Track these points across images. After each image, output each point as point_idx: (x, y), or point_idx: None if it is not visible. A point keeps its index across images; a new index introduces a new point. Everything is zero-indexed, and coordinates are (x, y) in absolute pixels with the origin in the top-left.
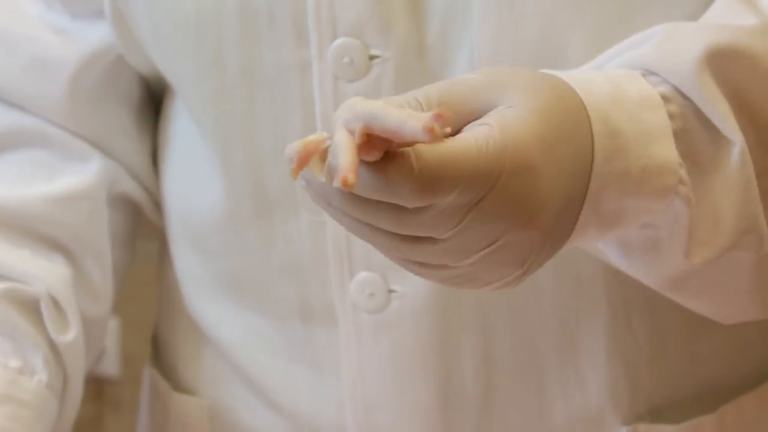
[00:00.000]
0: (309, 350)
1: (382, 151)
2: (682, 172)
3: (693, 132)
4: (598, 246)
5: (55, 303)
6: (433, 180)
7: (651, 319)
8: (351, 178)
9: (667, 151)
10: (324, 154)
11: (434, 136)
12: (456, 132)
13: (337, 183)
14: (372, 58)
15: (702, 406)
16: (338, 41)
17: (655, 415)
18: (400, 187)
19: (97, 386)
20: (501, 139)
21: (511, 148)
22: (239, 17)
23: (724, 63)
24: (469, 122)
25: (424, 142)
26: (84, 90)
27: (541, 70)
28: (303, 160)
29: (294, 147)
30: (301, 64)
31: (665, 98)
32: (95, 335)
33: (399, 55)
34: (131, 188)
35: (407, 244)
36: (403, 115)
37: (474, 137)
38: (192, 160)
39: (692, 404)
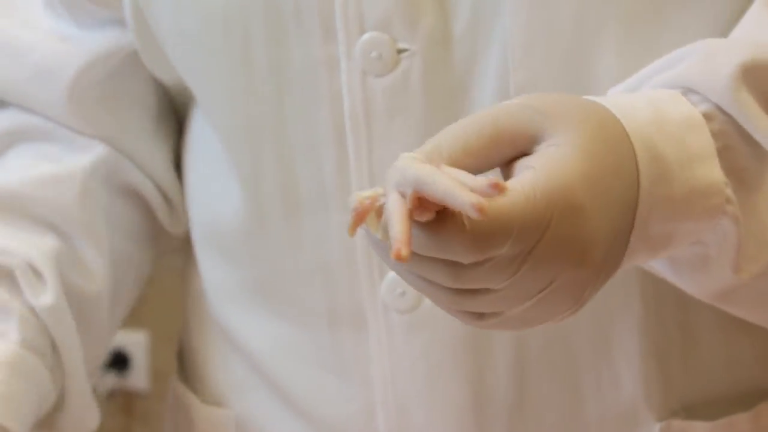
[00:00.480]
0: (337, 356)
1: (434, 212)
2: (728, 191)
3: (736, 149)
4: (656, 268)
5: (35, 272)
6: (486, 236)
7: (684, 315)
8: (404, 251)
9: (712, 172)
10: (380, 211)
11: (483, 214)
12: (507, 161)
13: (391, 256)
14: (400, 51)
15: (737, 404)
16: (366, 36)
17: (689, 411)
18: (453, 245)
19: (126, 400)
20: (547, 185)
21: (557, 193)
22: (266, 15)
23: (761, 78)
24: (519, 151)
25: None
26: (88, 92)
27: (584, 97)
28: (359, 217)
29: (351, 202)
30: (329, 61)
31: (707, 117)
32: (94, 315)
33: (427, 48)
34: (140, 183)
35: (463, 296)
36: (451, 186)
37: (521, 186)
38: (214, 168)
39: (727, 402)
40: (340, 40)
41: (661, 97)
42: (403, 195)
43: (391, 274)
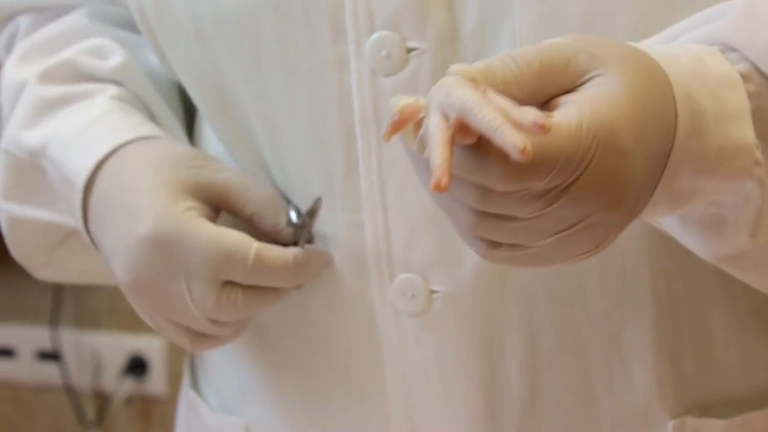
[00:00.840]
0: (349, 361)
1: (476, 137)
2: (758, 154)
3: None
4: (662, 226)
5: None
6: (527, 169)
7: (697, 313)
8: (443, 181)
9: (744, 132)
10: (419, 123)
11: (525, 156)
12: (548, 99)
13: (430, 185)
14: (409, 50)
15: (752, 402)
16: (375, 35)
17: (703, 409)
18: (492, 172)
19: (144, 405)
20: (594, 121)
21: (603, 132)
22: (276, 15)
23: None
24: (562, 90)
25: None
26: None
27: (626, 42)
28: (396, 126)
29: (391, 109)
30: (339, 61)
31: (744, 77)
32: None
33: (436, 46)
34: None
35: (486, 220)
36: (496, 120)
37: (567, 120)
38: None
39: (742, 400)
40: (349, 39)
41: (699, 50)
42: (446, 118)
43: (402, 276)
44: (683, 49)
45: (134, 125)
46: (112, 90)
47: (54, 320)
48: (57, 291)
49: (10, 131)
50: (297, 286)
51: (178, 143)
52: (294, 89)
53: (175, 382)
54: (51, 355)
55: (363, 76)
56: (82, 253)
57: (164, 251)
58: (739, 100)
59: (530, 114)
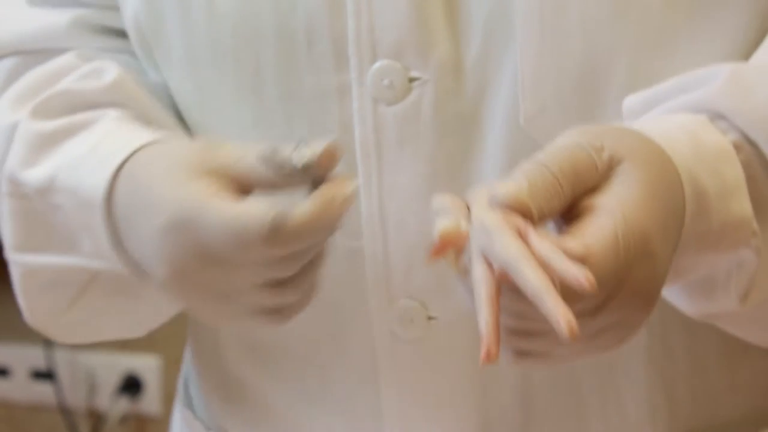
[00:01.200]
0: (345, 386)
1: None
2: (755, 224)
3: (758, 180)
4: None
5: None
6: (572, 296)
7: (689, 340)
8: (494, 351)
9: (743, 205)
10: (460, 248)
11: (572, 335)
12: (573, 199)
13: (480, 358)
14: (411, 80)
15: (739, 428)
16: (378, 64)
17: None
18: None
19: (139, 424)
20: (628, 231)
21: (637, 239)
22: (277, 40)
23: None
24: (587, 190)
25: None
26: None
27: (628, 127)
28: (437, 252)
29: (434, 231)
30: (340, 89)
31: (736, 147)
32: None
33: (438, 76)
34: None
35: (520, 336)
36: (542, 285)
37: (604, 237)
38: None
39: (731, 427)
40: (352, 66)
41: (692, 124)
42: (490, 264)
43: (400, 302)
44: (677, 125)
45: (144, 133)
46: (113, 113)
47: (48, 339)
48: None
49: (10, 173)
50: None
51: (189, 140)
52: (294, 116)
53: (169, 401)
54: (45, 374)
55: (365, 104)
56: (101, 304)
57: (187, 236)
58: (735, 173)
59: (575, 269)
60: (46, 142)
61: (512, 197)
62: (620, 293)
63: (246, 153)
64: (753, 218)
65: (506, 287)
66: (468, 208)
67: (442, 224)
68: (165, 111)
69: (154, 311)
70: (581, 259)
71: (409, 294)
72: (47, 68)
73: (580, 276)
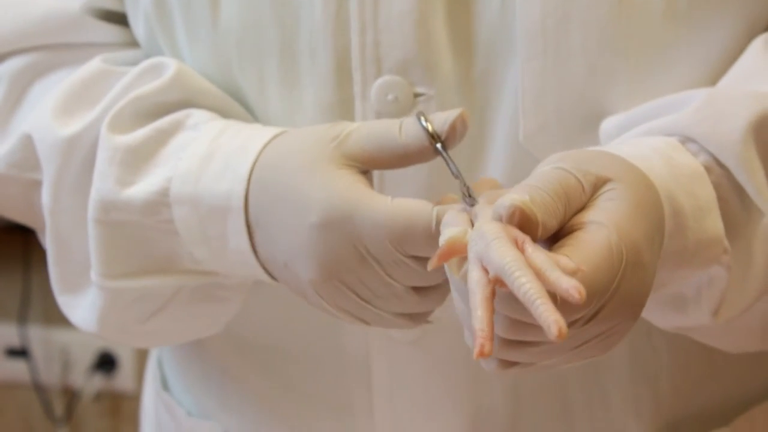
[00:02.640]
0: (337, 386)
1: None
2: (726, 242)
3: (728, 201)
4: None
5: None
6: (568, 307)
7: (671, 336)
8: (487, 348)
9: (716, 224)
10: (462, 255)
11: (561, 337)
12: (564, 221)
13: (474, 353)
14: (416, 95)
15: (718, 419)
16: (382, 79)
17: (675, 429)
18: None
19: (113, 401)
20: (620, 242)
21: (629, 250)
22: (280, 54)
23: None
24: (578, 210)
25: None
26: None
27: (602, 150)
28: (442, 258)
29: (441, 239)
30: (343, 102)
31: (706, 169)
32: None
33: (443, 92)
34: None
35: (511, 347)
36: (535, 291)
37: (599, 248)
38: None
39: (709, 417)
40: (355, 81)
41: (665, 146)
42: (486, 270)
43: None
44: (650, 148)
45: (257, 130)
46: (197, 114)
47: (22, 317)
48: (25, 288)
49: (103, 197)
50: None
51: (304, 128)
52: (295, 127)
53: (144, 378)
54: (19, 352)
55: (368, 118)
56: (182, 313)
57: (342, 234)
58: (708, 194)
59: (564, 280)
60: (139, 157)
61: (523, 203)
62: (611, 303)
63: (370, 135)
64: (724, 236)
65: (499, 296)
66: (472, 222)
67: (450, 232)
68: (231, 99)
69: (233, 310)
70: (573, 273)
71: None
72: (80, 76)
73: (571, 287)
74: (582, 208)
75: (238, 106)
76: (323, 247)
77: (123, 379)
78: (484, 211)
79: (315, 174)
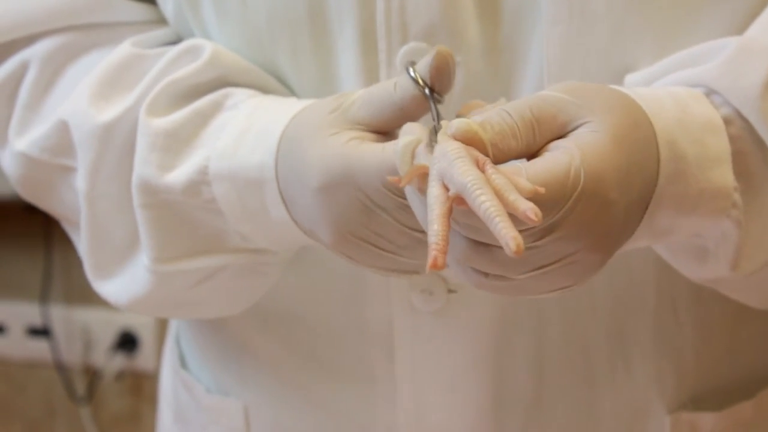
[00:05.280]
0: (360, 358)
1: None
2: (736, 196)
3: (748, 154)
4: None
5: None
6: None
7: (697, 309)
8: (440, 261)
9: (724, 177)
10: (424, 175)
11: (518, 253)
12: (542, 146)
13: (427, 264)
14: None
15: (741, 393)
16: (408, 46)
17: (697, 402)
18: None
19: (134, 381)
20: (582, 166)
21: (589, 179)
22: (311, 24)
23: None
24: (554, 137)
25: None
26: None
27: (613, 87)
28: (406, 182)
29: (397, 149)
30: (371, 70)
31: (726, 121)
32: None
33: (469, 59)
34: None
35: (479, 251)
36: (495, 209)
37: (557, 166)
38: None
39: (732, 391)
40: (381, 48)
41: (684, 94)
42: (446, 187)
43: (417, 279)
44: (669, 93)
45: (289, 104)
46: (236, 92)
47: (44, 296)
48: (47, 267)
49: (145, 182)
50: None
51: (318, 99)
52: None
53: None
54: (41, 331)
55: None
56: (224, 287)
57: (344, 192)
58: (720, 145)
59: (522, 202)
60: (180, 141)
61: (465, 127)
62: (566, 222)
63: (370, 99)
64: (735, 189)
65: (460, 210)
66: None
67: (404, 141)
68: (269, 76)
69: (270, 284)
70: (530, 194)
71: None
72: (113, 61)
73: (528, 209)
74: (561, 136)
75: (275, 81)
76: (330, 208)
77: (144, 358)
78: (445, 128)
79: (314, 142)
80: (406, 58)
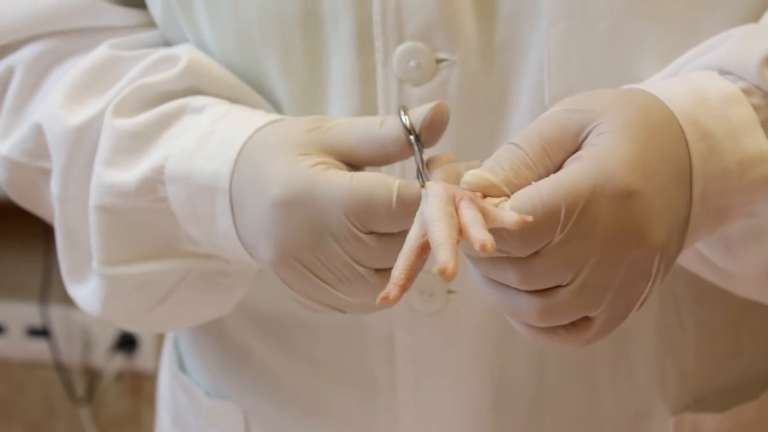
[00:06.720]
0: (358, 355)
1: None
2: None
3: None
4: (702, 251)
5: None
6: (531, 226)
7: (699, 310)
8: (393, 294)
9: (758, 142)
10: None
11: (446, 277)
12: (559, 166)
13: (380, 296)
14: (439, 61)
15: (744, 394)
16: (404, 45)
17: (701, 404)
18: (506, 238)
19: (134, 381)
20: (593, 170)
21: (603, 176)
22: (303, 23)
23: None
24: (569, 153)
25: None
26: None
27: (624, 87)
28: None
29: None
30: (366, 71)
31: (746, 92)
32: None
33: (466, 58)
34: None
35: (539, 297)
36: (441, 238)
37: (567, 174)
38: None
39: (735, 392)
40: (377, 48)
41: (696, 76)
42: (423, 228)
43: (420, 276)
44: (680, 78)
45: (259, 116)
46: (202, 99)
47: (43, 297)
48: (46, 268)
49: (103, 181)
50: None
51: (294, 118)
52: (323, 98)
53: None
54: (40, 332)
55: (390, 84)
56: (189, 300)
57: (300, 211)
58: (745, 114)
59: (479, 236)
60: (141, 141)
61: (478, 181)
62: (597, 230)
63: (351, 128)
64: None
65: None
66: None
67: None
68: (245, 86)
69: (238, 297)
70: (517, 224)
71: (428, 268)
72: (88, 64)
73: (479, 240)
74: (578, 149)
75: (254, 93)
76: (280, 225)
77: (144, 359)
78: (436, 177)
79: (280, 156)
80: (403, 58)
